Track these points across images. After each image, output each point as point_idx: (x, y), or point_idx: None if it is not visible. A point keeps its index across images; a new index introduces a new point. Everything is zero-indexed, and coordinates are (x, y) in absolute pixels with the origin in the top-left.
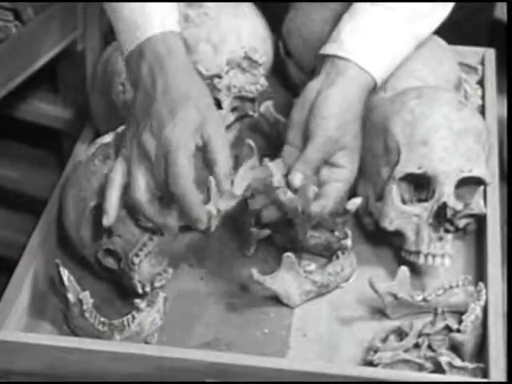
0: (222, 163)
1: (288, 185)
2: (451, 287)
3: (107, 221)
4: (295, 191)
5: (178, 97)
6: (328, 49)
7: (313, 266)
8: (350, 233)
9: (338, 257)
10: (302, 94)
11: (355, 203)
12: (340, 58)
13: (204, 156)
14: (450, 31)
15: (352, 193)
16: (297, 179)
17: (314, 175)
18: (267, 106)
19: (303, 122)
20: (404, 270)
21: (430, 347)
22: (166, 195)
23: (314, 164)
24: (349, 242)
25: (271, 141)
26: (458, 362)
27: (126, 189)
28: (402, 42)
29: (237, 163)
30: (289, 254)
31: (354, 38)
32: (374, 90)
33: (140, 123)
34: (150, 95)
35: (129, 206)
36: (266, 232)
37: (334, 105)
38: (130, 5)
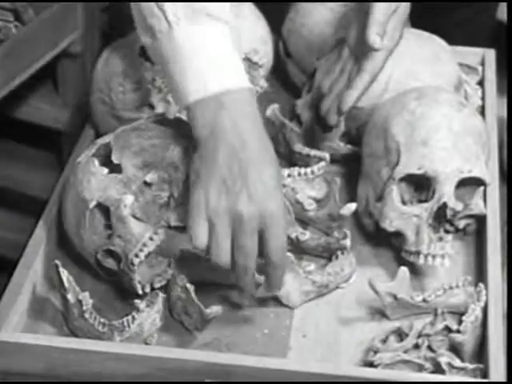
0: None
1: None
2: (451, 288)
3: None
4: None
5: (272, 164)
6: None
7: (312, 267)
8: (348, 233)
9: (337, 257)
10: None
11: (349, 209)
12: None
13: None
14: (451, 32)
15: (352, 194)
16: (375, 40)
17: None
18: (273, 110)
19: None
20: (404, 270)
21: (429, 348)
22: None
23: (384, 23)
24: (348, 242)
25: (278, 144)
26: (457, 363)
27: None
28: None
29: None
30: (288, 254)
31: None
32: None
33: (230, 184)
34: (239, 154)
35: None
36: None
37: None
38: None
